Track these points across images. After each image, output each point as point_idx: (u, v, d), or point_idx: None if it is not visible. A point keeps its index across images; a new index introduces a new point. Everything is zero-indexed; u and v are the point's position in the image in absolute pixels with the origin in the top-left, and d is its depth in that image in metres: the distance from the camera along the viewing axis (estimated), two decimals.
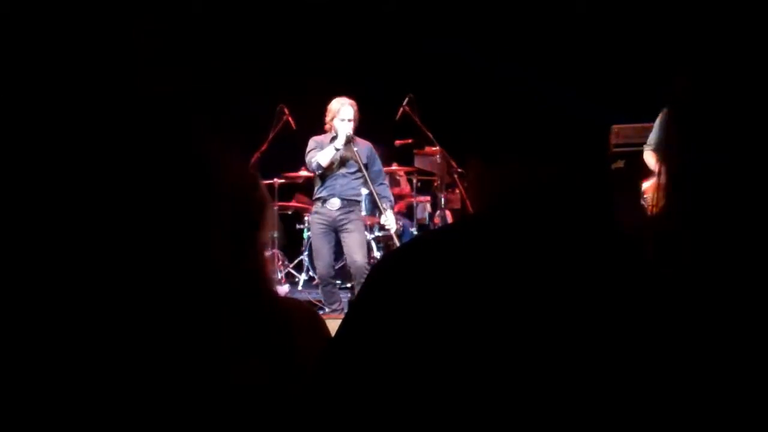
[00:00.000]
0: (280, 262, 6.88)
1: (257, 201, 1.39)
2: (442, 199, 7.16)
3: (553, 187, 0.88)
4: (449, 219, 7.31)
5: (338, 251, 6.08)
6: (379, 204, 5.86)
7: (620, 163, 4.15)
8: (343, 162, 5.96)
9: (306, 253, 6.88)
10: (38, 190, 0.58)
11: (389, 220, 5.88)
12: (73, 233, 0.58)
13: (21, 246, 0.57)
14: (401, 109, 6.76)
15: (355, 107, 6.01)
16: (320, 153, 5.89)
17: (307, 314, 1.47)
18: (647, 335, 0.80)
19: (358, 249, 5.77)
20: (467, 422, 0.78)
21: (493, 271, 0.83)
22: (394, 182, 7.66)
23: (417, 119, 6.76)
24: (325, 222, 5.85)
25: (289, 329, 1.36)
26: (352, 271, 5.84)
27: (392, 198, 6.22)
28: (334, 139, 5.89)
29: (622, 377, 0.79)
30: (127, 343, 0.63)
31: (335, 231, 5.86)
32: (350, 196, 5.92)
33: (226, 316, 1.27)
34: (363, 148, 6.01)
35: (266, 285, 1.40)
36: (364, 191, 6.04)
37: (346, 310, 4.76)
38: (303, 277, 6.81)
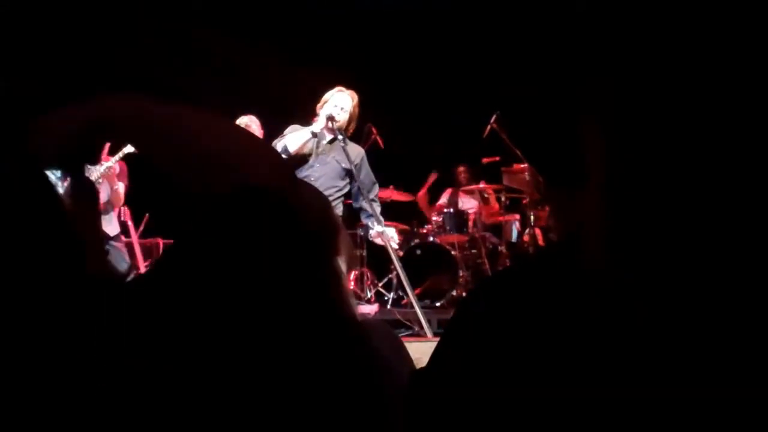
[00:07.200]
0: (369, 281, 6.91)
1: (329, 226, 1.41)
2: (532, 217, 7.05)
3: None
4: (539, 237, 7.18)
5: (422, 271, 5.65)
6: (376, 221, 4.74)
7: None
8: (322, 162, 4.62)
9: (395, 273, 6.78)
10: None
11: (389, 232, 4.75)
12: None
13: None
14: (489, 126, 6.72)
15: (355, 100, 4.66)
16: (291, 135, 4.58)
17: (387, 336, 1.47)
18: None
19: None
20: None
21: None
22: (483, 200, 7.61)
23: (505, 136, 6.70)
24: None
25: (369, 351, 1.37)
26: None
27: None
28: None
29: None
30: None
31: None
32: None
33: (297, 340, 1.29)
34: (352, 150, 4.72)
35: (344, 309, 1.41)
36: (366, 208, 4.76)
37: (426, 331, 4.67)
38: (392, 296, 6.81)
